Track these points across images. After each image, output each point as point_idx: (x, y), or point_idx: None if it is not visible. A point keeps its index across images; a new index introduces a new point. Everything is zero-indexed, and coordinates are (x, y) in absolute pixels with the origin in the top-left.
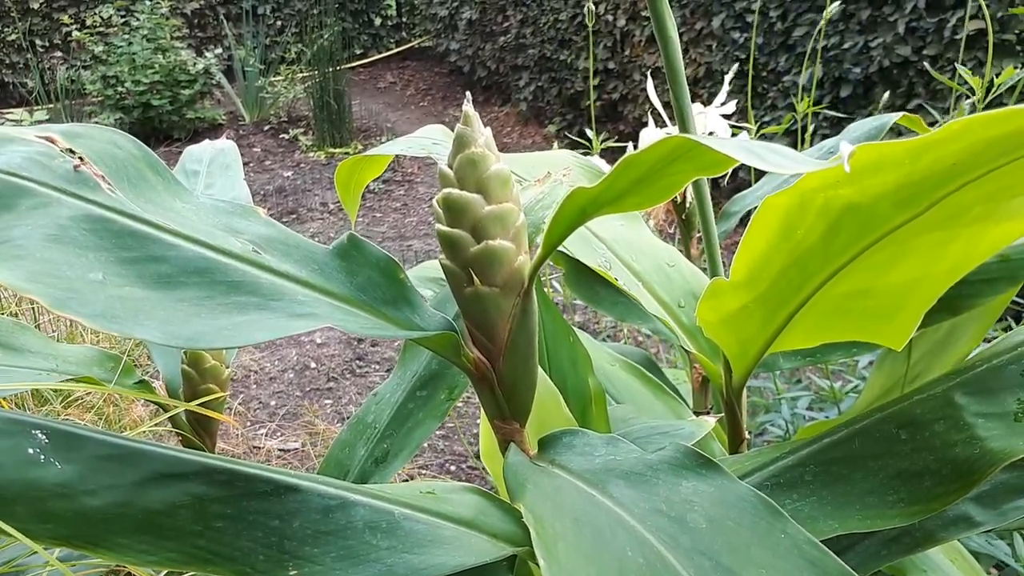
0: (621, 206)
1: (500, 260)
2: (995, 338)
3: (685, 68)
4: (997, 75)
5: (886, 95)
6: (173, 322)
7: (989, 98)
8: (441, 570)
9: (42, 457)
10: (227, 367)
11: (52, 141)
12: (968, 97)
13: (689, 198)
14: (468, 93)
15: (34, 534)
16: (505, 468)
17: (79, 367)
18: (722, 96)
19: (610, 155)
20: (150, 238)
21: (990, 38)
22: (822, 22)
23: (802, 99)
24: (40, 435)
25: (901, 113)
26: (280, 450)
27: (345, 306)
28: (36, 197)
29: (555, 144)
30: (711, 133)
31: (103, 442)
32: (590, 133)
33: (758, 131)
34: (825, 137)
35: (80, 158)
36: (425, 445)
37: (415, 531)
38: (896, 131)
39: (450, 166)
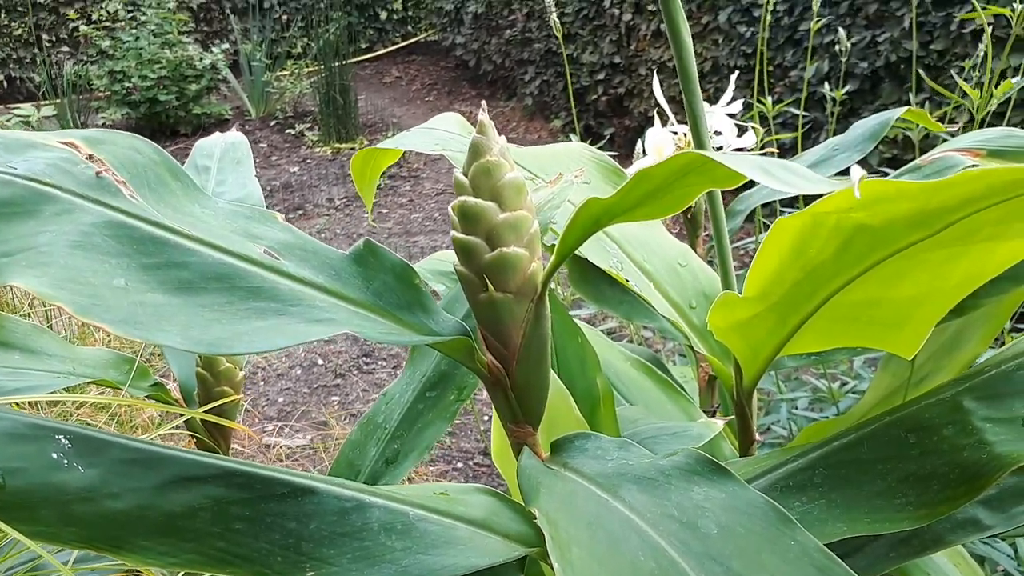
0: (634, 216)
1: (514, 267)
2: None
3: None
4: (1006, 70)
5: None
6: (194, 328)
7: (991, 106)
8: (455, 571)
9: (65, 461)
10: (241, 369)
11: (74, 147)
12: (971, 96)
13: (689, 204)
14: (483, 102)
15: (59, 537)
16: (519, 472)
17: (95, 370)
18: (728, 95)
19: (607, 145)
20: (171, 244)
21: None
22: (814, 25)
23: (805, 94)
24: (63, 440)
25: (906, 108)
26: (288, 447)
27: (362, 311)
28: (59, 203)
29: (560, 139)
30: (717, 132)
31: (125, 446)
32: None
33: (763, 137)
34: (834, 133)
35: (102, 164)
36: None
37: (429, 532)
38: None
39: (465, 174)
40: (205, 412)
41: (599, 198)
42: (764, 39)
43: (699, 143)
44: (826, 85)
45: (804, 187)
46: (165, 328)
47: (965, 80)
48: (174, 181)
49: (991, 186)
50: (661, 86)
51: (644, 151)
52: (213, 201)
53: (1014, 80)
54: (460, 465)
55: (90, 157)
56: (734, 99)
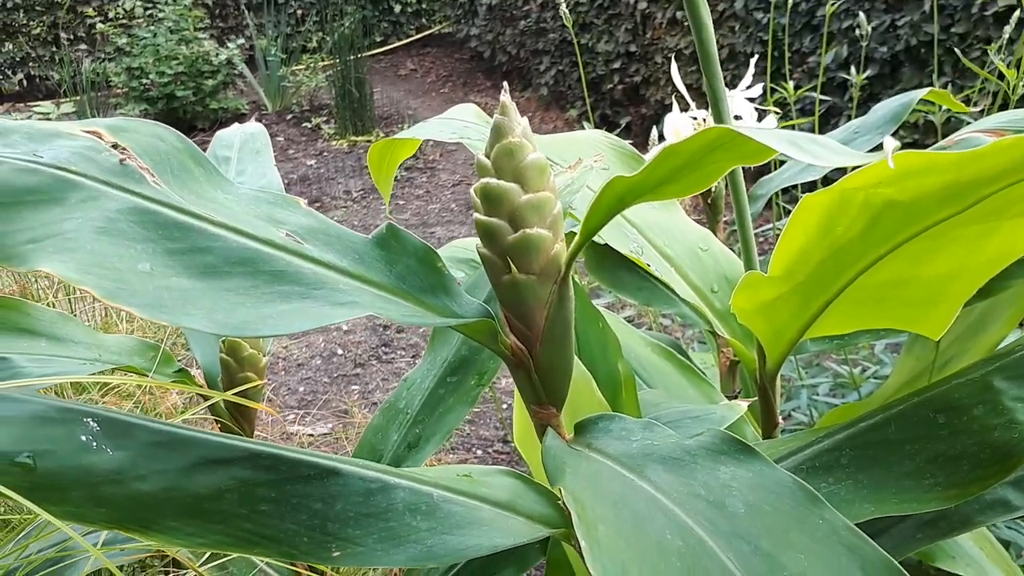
0: (660, 194)
1: (537, 248)
2: None
3: None
4: None
5: None
6: (219, 311)
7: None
8: (479, 551)
9: (94, 444)
10: (264, 355)
11: (98, 135)
12: (998, 79)
13: (715, 182)
14: (505, 83)
15: (89, 518)
16: (544, 452)
17: (120, 356)
18: (747, 79)
19: (623, 134)
20: (195, 229)
21: None
22: (830, 8)
23: (821, 79)
24: (92, 423)
25: (928, 89)
26: (310, 435)
27: (385, 294)
28: (84, 191)
29: (576, 129)
30: (737, 117)
31: (152, 429)
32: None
33: (780, 122)
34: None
35: (125, 151)
36: None
37: (453, 513)
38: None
39: (487, 155)
40: (227, 398)
41: (624, 176)
42: (778, 25)
43: (720, 122)
44: (852, 70)
45: (834, 160)
46: (191, 312)
47: (988, 64)
48: (197, 168)
49: (1022, 157)
50: (679, 74)
51: (660, 137)
52: (235, 187)
53: None
54: (480, 453)
55: (114, 145)
56: (753, 83)
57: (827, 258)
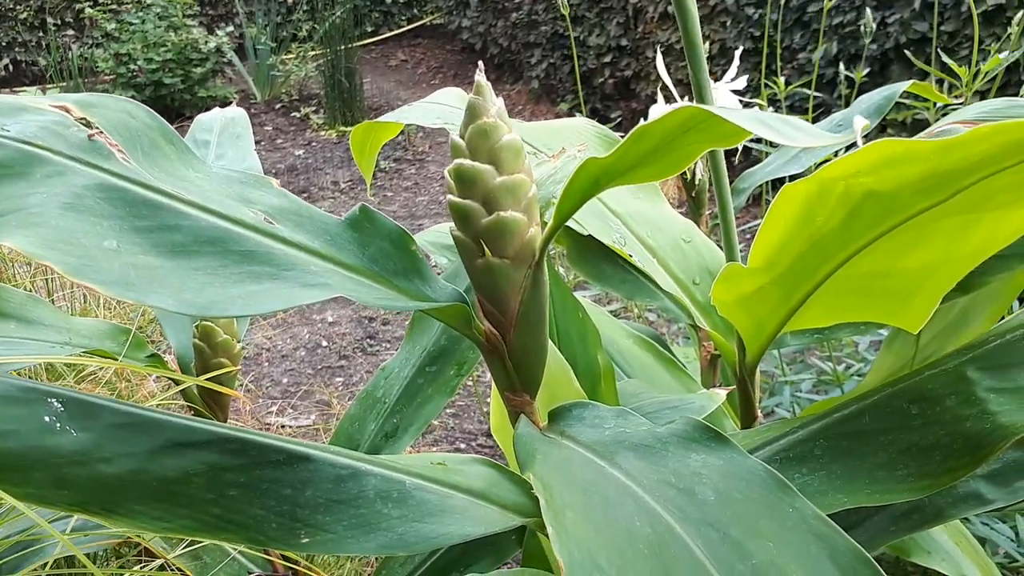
0: (634, 177)
1: (511, 231)
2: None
3: None
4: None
5: None
6: (187, 290)
7: (978, 84)
8: (451, 539)
9: (58, 425)
10: (238, 341)
11: (66, 110)
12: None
13: (699, 175)
14: (480, 63)
15: (51, 500)
16: (515, 439)
17: (92, 340)
18: (732, 72)
19: (614, 128)
20: (164, 207)
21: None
22: (827, 3)
23: (816, 74)
24: (56, 403)
25: (911, 81)
26: (291, 426)
27: (357, 277)
28: (51, 165)
29: None
30: None
31: (118, 411)
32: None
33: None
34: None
35: (94, 127)
36: (435, 423)
37: (426, 501)
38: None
39: (462, 136)
40: (199, 383)
41: (597, 158)
42: (769, 21)
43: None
44: (841, 67)
45: (804, 140)
46: (158, 290)
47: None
48: (168, 145)
49: (1005, 144)
50: (668, 68)
51: None
52: (207, 166)
53: (1001, 55)
54: (463, 446)
55: (83, 120)
56: (738, 76)
57: (807, 250)
